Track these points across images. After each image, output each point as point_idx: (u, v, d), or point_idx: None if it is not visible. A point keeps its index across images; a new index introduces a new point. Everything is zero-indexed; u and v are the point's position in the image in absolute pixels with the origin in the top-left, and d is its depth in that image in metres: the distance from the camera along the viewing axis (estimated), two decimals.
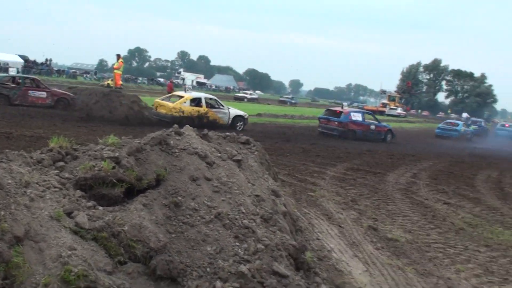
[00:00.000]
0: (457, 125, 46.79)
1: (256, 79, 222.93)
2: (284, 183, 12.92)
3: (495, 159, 27.99)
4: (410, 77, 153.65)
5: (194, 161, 6.27)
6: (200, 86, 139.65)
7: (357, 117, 31.39)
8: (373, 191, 13.71)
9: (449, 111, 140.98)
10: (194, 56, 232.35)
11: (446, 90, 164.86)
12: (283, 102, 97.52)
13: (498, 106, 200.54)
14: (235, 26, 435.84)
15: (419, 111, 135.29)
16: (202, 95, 29.52)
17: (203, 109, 26.90)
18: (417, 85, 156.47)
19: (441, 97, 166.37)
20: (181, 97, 27.45)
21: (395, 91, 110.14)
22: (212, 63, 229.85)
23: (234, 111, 29.14)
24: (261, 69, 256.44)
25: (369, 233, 9.23)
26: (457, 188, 15.91)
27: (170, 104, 26.49)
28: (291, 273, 5.42)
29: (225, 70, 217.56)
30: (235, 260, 5.18)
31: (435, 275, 7.38)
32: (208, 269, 5.05)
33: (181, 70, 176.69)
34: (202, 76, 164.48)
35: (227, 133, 7.93)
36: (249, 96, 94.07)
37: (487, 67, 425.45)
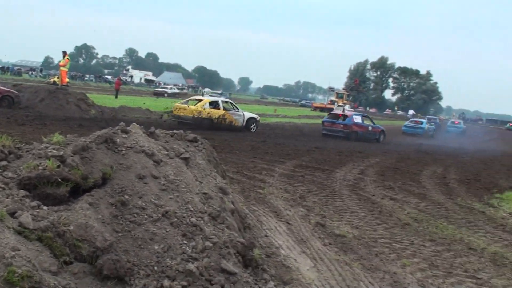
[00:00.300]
0: (422, 123, 51.45)
1: (205, 77, 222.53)
2: (232, 180, 12.92)
3: (440, 155, 28.64)
4: (357, 74, 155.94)
5: (141, 159, 6.22)
6: (148, 83, 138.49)
7: (358, 119, 34.00)
8: (321, 188, 13.83)
9: (396, 108, 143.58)
10: (142, 53, 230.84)
11: (393, 88, 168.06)
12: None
13: (443, 103, 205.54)
14: (184, 22, 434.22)
15: (367, 108, 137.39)
16: (219, 98, 31.95)
17: (221, 111, 28.42)
18: (365, 82, 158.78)
19: (388, 94, 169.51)
20: (199, 100, 29.36)
21: (343, 89, 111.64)
22: (160, 60, 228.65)
23: (248, 113, 30.84)
24: (210, 66, 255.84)
25: (317, 230, 9.31)
26: (403, 184, 16.20)
27: (192, 107, 27.90)
28: (239, 270, 5.44)
29: (174, 68, 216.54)
30: (183, 258, 5.16)
31: (382, 270, 7.48)
32: (155, 268, 5.02)
33: (129, 67, 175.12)
34: (150, 73, 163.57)
35: (175, 131, 7.88)
36: (169, 91, 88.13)
37: (432, 64, 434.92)
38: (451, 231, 10.55)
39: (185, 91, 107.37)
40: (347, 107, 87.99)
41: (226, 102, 30.63)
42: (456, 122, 72.46)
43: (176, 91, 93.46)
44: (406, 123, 51.23)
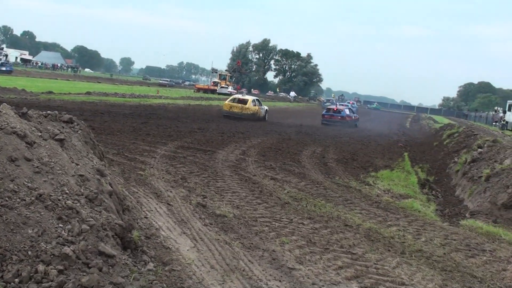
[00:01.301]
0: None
1: (86, 57, 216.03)
2: (112, 162, 12.70)
3: (319, 135, 29.48)
4: (240, 56, 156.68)
5: (13, 141, 5.94)
6: (25, 63, 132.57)
7: (347, 111, 44.33)
8: (203, 169, 13.88)
9: (277, 90, 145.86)
10: (17, 32, 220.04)
11: (275, 70, 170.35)
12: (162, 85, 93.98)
13: (324, 85, 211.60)
14: (63, 1, 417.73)
15: (252, 90, 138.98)
16: (254, 97, 40.73)
17: (256, 107, 37.63)
18: (247, 64, 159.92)
19: (270, 76, 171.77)
20: (240, 98, 38.26)
21: (226, 70, 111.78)
22: (38, 39, 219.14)
23: (265, 107, 40.51)
24: (90, 46, 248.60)
25: (198, 210, 9.34)
26: (284, 164, 16.56)
27: (240, 105, 36.68)
28: (118, 252, 5.37)
29: (52, 47, 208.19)
30: (58, 242, 5.01)
31: (261, 248, 7.63)
32: (29, 253, 4.84)
33: (4, 46, 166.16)
34: (26, 52, 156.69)
35: (49, 112, 7.59)
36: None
37: (313, 47, 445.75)
38: (329, 209, 10.92)
39: None
40: (230, 88, 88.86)
41: (257, 99, 40.36)
42: (351, 102, 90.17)
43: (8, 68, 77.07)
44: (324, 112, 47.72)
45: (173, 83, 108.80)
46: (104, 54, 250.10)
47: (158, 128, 22.58)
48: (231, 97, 40.17)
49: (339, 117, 42.58)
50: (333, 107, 46.59)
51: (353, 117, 44.30)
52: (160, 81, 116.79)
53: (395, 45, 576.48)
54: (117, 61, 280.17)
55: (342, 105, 56.48)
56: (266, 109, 39.96)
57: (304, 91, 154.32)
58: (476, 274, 7.56)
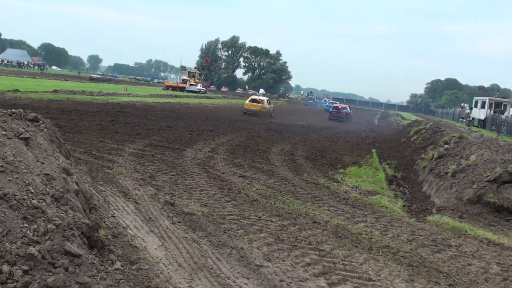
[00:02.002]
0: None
1: (52, 54, 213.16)
2: (79, 161, 12.59)
3: (288, 133, 29.57)
4: (209, 53, 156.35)
5: None
6: None
7: (347, 109, 56.63)
8: (171, 167, 13.83)
9: (247, 87, 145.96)
10: None
11: (244, 67, 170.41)
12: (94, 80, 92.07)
13: (293, 82, 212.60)
14: None
15: (224, 88, 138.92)
16: (267, 98, 50.94)
17: (269, 106, 46.45)
18: (216, 61, 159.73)
19: (239, 73, 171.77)
20: (258, 99, 46.93)
21: (195, 68, 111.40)
22: (3, 37, 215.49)
23: (272, 106, 48.63)
24: (58, 43, 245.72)
25: (166, 208, 9.32)
26: (253, 162, 16.59)
27: (261, 104, 45.10)
28: (85, 252, 5.33)
29: (18, 44, 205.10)
30: (23, 242, 4.95)
31: (229, 246, 7.64)
32: None
33: None
34: None
35: (13, 110, 7.49)
36: None
37: (282, 45, 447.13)
38: (297, 206, 10.99)
39: None
40: (199, 85, 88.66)
41: (269, 100, 49.14)
42: (327, 100, 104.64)
43: None
44: (326, 103, 68.19)
45: (107, 77, 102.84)
46: (71, 52, 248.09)
47: (126, 126, 22.39)
48: (250, 98, 48.46)
49: (344, 114, 54.93)
50: (338, 105, 60.22)
51: (351, 114, 56.61)
52: (92, 75, 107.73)
53: (364, 43, 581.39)
54: (85, 59, 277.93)
55: (333, 103, 75.76)
56: (273, 108, 49.26)
57: (274, 89, 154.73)
58: (442, 269, 7.67)
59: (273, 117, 45.16)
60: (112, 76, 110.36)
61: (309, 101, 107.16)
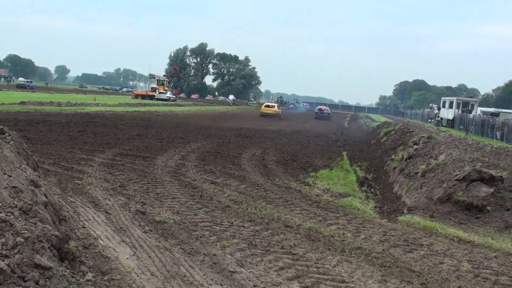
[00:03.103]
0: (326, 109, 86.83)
1: (19, 66, 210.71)
2: (48, 172, 12.47)
3: (259, 138, 29.59)
4: (177, 61, 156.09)
5: None
6: None
7: (328, 110, 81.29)
8: (142, 175, 13.74)
9: (216, 94, 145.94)
10: None
11: (213, 73, 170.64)
12: (22, 87, 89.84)
13: (262, 87, 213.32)
14: None
15: (193, 95, 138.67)
16: (277, 104, 74.52)
17: (279, 110, 65.67)
18: (185, 69, 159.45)
19: (209, 80, 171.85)
20: (270, 105, 67.01)
21: (164, 75, 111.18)
22: None
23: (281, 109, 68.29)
24: (24, 55, 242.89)
25: (137, 217, 9.25)
26: (224, 168, 16.57)
27: (274, 109, 64.55)
28: (55, 264, 5.28)
29: None
30: None
31: (202, 253, 7.61)
32: None
33: None
34: None
35: None
36: None
37: (250, 50, 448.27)
38: (269, 211, 10.99)
39: None
40: (168, 93, 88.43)
41: (278, 106, 69.61)
42: (305, 104, 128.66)
43: None
44: (315, 109, 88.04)
45: (35, 84, 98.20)
46: (38, 63, 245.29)
47: (95, 136, 22.19)
48: (265, 104, 69.92)
49: (326, 113, 78.97)
50: (322, 108, 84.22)
51: (330, 113, 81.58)
52: (19, 82, 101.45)
53: (333, 46, 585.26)
54: (52, 69, 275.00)
55: (304, 104, 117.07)
56: (281, 112, 68.51)
57: (243, 94, 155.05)
58: (414, 268, 7.74)
59: (282, 119, 62.05)
60: (115, 89, 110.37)
61: (291, 106, 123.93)
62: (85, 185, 11.72)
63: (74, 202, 9.86)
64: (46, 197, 6.60)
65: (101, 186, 11.78)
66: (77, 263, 5.94)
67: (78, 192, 10.93)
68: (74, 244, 6.13)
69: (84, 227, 8.08)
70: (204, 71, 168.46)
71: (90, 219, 8.72)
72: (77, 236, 7.28)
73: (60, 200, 9.02)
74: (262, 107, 67.90)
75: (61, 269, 5.29)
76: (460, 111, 63.38)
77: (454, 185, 12.50)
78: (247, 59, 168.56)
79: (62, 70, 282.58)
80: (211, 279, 6.57)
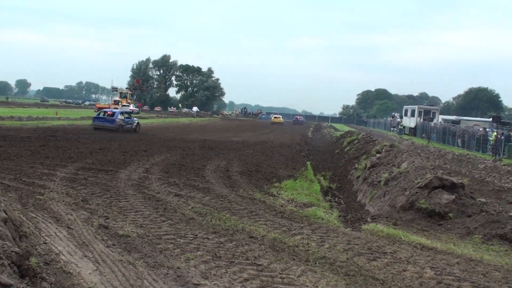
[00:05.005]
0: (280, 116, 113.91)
1: None
2: (9, 188, 12.30)
3: (223, 149, 29.56)
4: (140, 73, 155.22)
5: None
6: None
7: (303, 118, 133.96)
8: (105, 189, 13.61)
9: (180, 106, 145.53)
10: None
11: (177, 85, 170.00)
12: None
13: (226, 99, 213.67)
14: None
15: (157, 107, 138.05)
16: (281, 115, 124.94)
17: (282, 120, 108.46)
18: (148, 81, 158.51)
19: (172, 92, 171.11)
20: (276, 116, 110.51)
21: (126, 88, 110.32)
22: None
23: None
24: None
25: (100, 232, 9.15)
26: (188, 180, 16.51)
27: (279, 119, 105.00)
28: (15, 281, 5.18)
29: None
30: None
31: (166, 266, 7.55)
32: None
33: None
34: None
35: None
36: None
37: (213, 62, 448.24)
38: (234, 222, 10.99)
39: None
40: (131, 106, 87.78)
41: (282, 117, 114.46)
42: (272, 115, 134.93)
43: None
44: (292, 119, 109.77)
45: None
46: None
47: (57, 150, 21.90)
48: (274, 116, 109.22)
49: (301, 121, 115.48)
50: (297, 117, 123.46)
51: (304, 121, 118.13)
52: None
53: (294, 57, 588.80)
54: (13, 83, 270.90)
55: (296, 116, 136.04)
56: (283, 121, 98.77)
57: (207, 106, 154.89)
58: (378, 276, 7.80)
59: (284, 125, 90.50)
60: (77, 102, 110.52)
61: (263, 116, 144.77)
62: (47, 200, 11.56)
63: (35, 217, 9.71)
64: (6, 213, 6.48)
65: (63, 201, 11.63)
66: (38, 279, 5.84)
67: (40, 207, 10.77)
68: (35, 261, 6.03)
69: (46, 243, 7.96)
70: (167, 83, 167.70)
71: (51, 235, 8.60)
72: (38, 252, 7.16)
73: (21, 216, 8.89)
74: (272, 118, 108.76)
75: (21, 286, 5.19)
76: (422, 119, 64.39)
77: (417, 192, 12.66)
78: (210, 71, 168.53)
79: (23, 84, 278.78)
80: None
